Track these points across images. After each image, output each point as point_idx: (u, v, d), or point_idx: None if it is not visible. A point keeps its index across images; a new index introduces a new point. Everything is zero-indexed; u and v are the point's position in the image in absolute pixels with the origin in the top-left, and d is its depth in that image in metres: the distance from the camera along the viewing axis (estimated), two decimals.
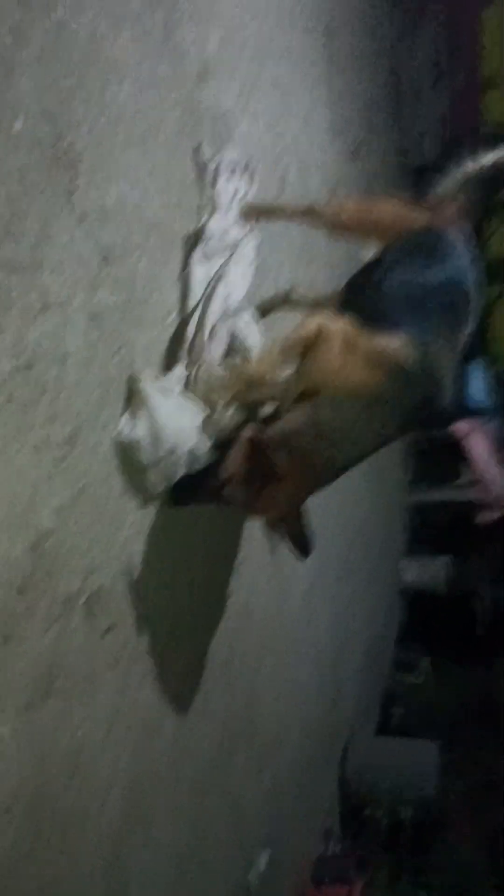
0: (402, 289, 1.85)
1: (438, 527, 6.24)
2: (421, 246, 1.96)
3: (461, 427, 5.78)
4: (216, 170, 2.15)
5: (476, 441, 5.72)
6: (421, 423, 1.89)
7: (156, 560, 1.82)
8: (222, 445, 1.82)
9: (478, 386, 6.41)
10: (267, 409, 1.99)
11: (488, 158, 2.19)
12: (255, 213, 2.30)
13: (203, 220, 2.07)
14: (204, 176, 2.10)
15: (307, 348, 1.77)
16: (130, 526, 1.70)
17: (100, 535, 1.57)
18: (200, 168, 2.09)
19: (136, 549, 1.73)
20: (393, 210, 2.12)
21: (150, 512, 1.79)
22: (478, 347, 7.60)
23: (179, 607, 1.97)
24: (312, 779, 3.30)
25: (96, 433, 1.56)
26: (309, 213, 2.27)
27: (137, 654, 1.75)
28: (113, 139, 1.63)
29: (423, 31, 6.91)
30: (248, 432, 1.78)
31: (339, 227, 2.23)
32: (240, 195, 2.25)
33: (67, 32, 1.47)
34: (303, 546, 1.86)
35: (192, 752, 2.05)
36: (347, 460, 1.80)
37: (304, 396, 1.81)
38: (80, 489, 1.50)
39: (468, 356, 6.89)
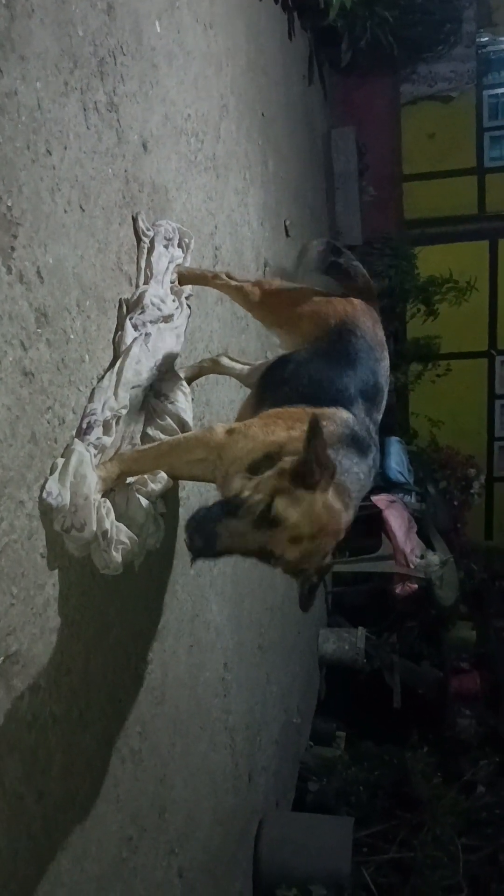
0: (322, 379, 1.93)
1: (357, 598, 6.30)
2: (333, 349, 2.04)
3: (380, 500, 5.91)
4: (153, 239, 2.20)
5: (393, 514, 5.85)
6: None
7: (76, 625, 1.78)
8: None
9: (396, 460, 6.60)
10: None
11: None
12: (188, 280, 2.36)
13: (139, 286, 2.12)
14: (141, 244, 2.15)
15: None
16: (52, 587, 1.66)
17: (20, 595, 1.53)
18: (138, 236, 2.14)
19: (57, 611, 1.69)
20: (312, 306, 2.19)
21: (73, 574, 1.76)
22: (396, 424, 7.88)
23: (96, 676, 1.91)
24: (225, 862, 3.20)
25: (22, 490, 1.53)
26: (238, 291, 2.34)
27: (52, 722, 1.69)
28: (54, 204, 1.66)
29: (351, 123, 7.33)
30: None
31: (261, 312, 2.31)
32: (175, 264, 2.31)
33: (14, 99, 1.51)
34: (309, 597, 1.73)
35: (100, 843, 1.95)
36: None
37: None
38: (3, 546, 1.46)
39: (387, 430, 7.09)
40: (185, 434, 1.94)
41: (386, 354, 2.14)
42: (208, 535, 1.54)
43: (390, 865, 4.35)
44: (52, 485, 1.62)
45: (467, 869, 4.29)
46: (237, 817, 3.37)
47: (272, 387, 1.99)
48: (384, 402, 2.07)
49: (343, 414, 1.81)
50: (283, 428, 1.72)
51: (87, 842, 1.87)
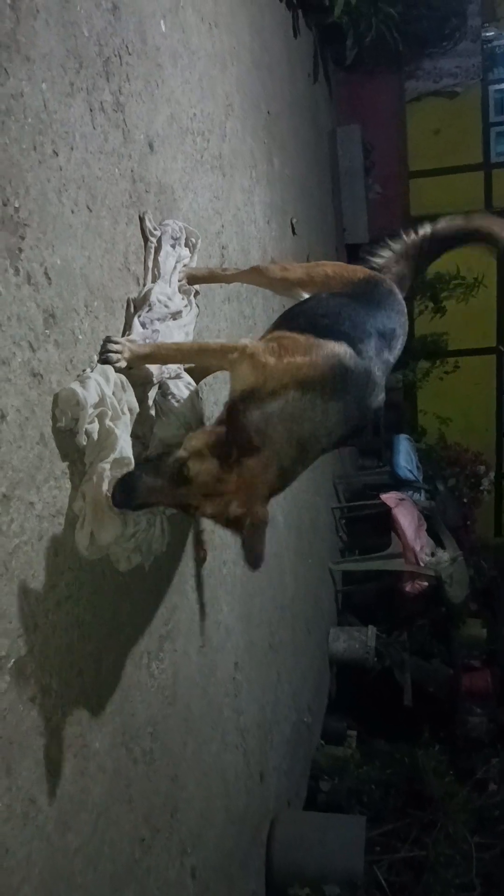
0: (340, 311, 1.96)
1: (367, 597, 6.28)
2: (358, 292, 2.11)
3: (390, 498, 5.90)
4: (160, 238, 2.20)
5: (403, 512, 5.84)
6: (361, 426, 1.95)
7: (87, 624, 1.78)
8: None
9: (405, 458, 6.59)
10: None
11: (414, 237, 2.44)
12: (196, 280, 2.37)
13: (146, 285, 2.11)
14: (148, 243, 2.15)
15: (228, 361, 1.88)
16: (64, 587, 1.66)
17: (31, 595, 1.53)
18: (145, 236, 2.14)
19: (68, 611, 1.69)
20: (335, 265, 2.26)
21: (84, 574, 1.76)
22: (405, 421, 7.86)
23: (107, 676, 1.91)
24: (238, 862, 3.19)
25: (32, 492, 1.53)
26: (254, 272, 2.36)
27: (64, 723, 1.69)
28: (61, 204, 1.66)
29: (357, 121, 7.31)
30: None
31: (285, 282, 2.30)
32: (182, 264, 2.31)
33: (21, 100, 1.51)
34: (256, 557, 1.75)
35: (113, 843, 1.95)
36: (307, 453, 1.80)
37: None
38: (13, 548, 1.46)
39: (396, 428, 7.05)
40: (215, 342, 2.02)
41: (405, 318, 2.20)
42: (129, 490, 1.64)
43: (403, 864, 4.34)
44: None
45: (480, 867, 4.27)
46: (249, 817, 3.36)
47: (289, 317, 2.06)
48: (399, 349, 2.12)
49: (340, 350, 1.82)
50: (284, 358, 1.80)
51: (100, 842, 1.87)
